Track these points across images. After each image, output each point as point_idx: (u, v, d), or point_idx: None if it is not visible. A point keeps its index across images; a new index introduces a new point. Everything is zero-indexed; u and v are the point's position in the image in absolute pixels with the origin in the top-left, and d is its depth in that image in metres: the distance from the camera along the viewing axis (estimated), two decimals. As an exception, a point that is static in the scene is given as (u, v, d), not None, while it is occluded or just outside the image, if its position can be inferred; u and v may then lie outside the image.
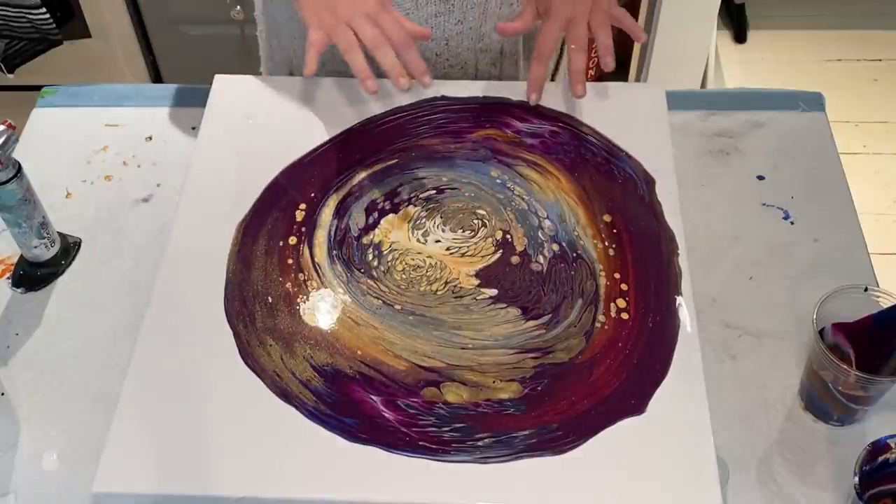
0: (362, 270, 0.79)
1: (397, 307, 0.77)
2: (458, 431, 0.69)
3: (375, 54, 0.82)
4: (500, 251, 0.81)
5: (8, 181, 0.81)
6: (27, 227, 0.85)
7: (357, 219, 0.83)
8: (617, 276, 0.79)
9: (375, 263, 0.80)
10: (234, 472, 0.67)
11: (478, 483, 0.67)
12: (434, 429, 0.70)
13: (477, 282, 0.79)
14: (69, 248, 0.90)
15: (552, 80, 1.10)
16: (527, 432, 0.69)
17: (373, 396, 0.71)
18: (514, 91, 0.93)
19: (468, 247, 0.81)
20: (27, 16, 1.71)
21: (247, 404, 0.71)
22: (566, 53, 1.09)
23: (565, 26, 0.90)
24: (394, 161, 0.87)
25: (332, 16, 0.84)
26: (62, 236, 0.90)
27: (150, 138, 0.99)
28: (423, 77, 0.84)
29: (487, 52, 0.99)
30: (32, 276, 0.88)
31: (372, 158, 0.87)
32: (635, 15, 1.96)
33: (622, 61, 2.07)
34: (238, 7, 1.76)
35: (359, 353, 0.74)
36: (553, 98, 0.92)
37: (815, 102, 1.03)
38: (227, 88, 0.94)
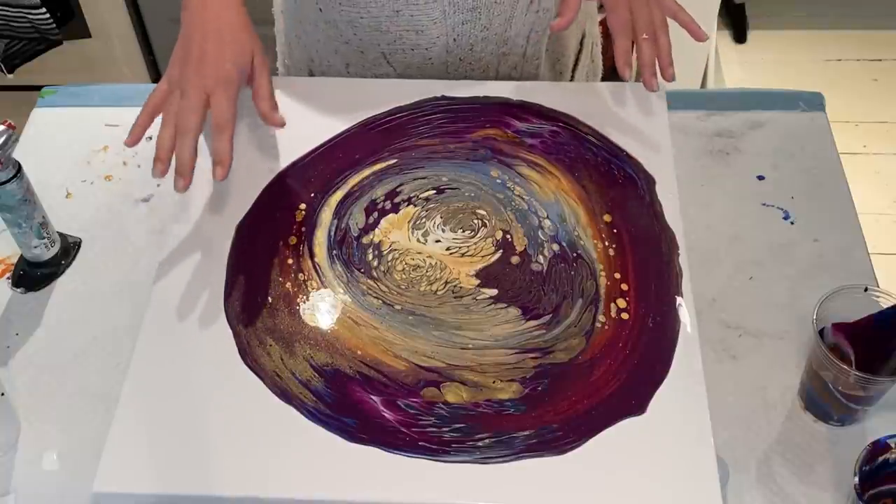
0: (362, 270, 0.79)
1: (397, 307, 0.77)
2: (458, 431, 0.69)
3: (177, 141, 0.78)
4: (500, 251, 0.81)
5: (8, 181, 0.81)
6: (27, 227, 0.85)
7: (357, 219, 0.83)
8: (617, 276, 0.79)
9: (375, 263, 0.80)
10: (234, 472, 0.67)
11: (478, 483, 0.67)
12: (434, 429, 0.70)
13: (477, 282, 0.79)
14: (69, 248, 0.90)
15: (571, 79, 1.10)
16: (527, 432, 0.69)
17: (373, 396, 0.71)
18: (514, 91, 0.93)
19: (468, 247, 0.81)
20: (27, 16, 1.71)
21: (247, 404, 0.71)
22: (584, 50, 1.09)
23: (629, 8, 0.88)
24: (394, 161, 0.87)
25: (180, 75, 0.80)
26: (62, 236, 0.90)
27: (151, 138, 0.99)
28: (215, 167, 0.79)
29: (510, 56, 0.98)
30: (32, 276, 0.88)
31: (372, 158, 0.87)
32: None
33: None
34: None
35: (359, 353, 0.74)
36: (553, 98, 0.92)
37: (815, 102, 1.03)
38: (227, 88, 0.94)
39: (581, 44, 1.08)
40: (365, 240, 0.81)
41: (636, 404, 0.71)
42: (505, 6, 0.93)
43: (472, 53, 0.96)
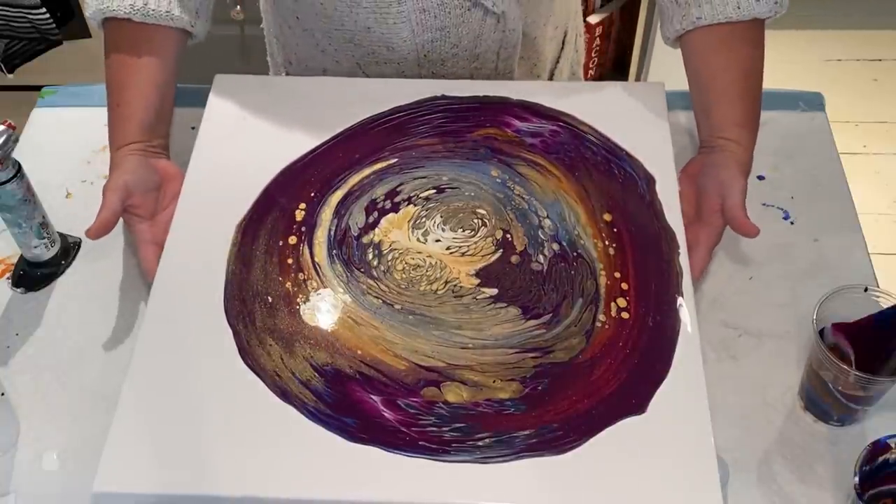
0: (362, 270, 0.79)
1: (397, 307, 0.77)
2: (458, 431, 0.69)
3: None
4: (501, 251, 0.81)
5: (8, 181, 0.81)
6: (27, 227, 0.85)
7: (357, 218, 0.83)
8: (617, 275, 0.78)
9: (375, 263, 0.80)
10: (234, 472, 0.67)
11: (478, 483, 0.67)
12: (434, 429, 0.70)
13: (477, 281, 0.79)
14: (69, 248, 0.90)
15: (551, 76, 1.10)
16: (527, 432, 0.69)
17: (373, 396, 0.71)
18: (514, 91, 0.93)
19: (468, 246, 0.81)
20: (27, 16, 1.71)
21: (247, 404, 0.71)
22: (567, 47, 1.10)
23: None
24: (394, 161, 0.87)
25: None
26: (62, 236, 0.90)
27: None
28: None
29: (482, 70, 0.99)
30: (32, 276, 0.88)
31: (372, 158, 0.87)
32: (635, 14, 1.96)
33: (622, 61, 2.08)
34: (238, 7, 1.76)
35: (359, 352, 0.74)
36: (553, 98, 0.92)
37: (815, 102, 1.03)
38: (227, 88, 0.94)
39: (563, 42, 1.09)
40: (365, 239, 0.81)
41: (636, 404, 0.71)
42: (473, 25, 0.94)
43: (444, 68, 0.98)
